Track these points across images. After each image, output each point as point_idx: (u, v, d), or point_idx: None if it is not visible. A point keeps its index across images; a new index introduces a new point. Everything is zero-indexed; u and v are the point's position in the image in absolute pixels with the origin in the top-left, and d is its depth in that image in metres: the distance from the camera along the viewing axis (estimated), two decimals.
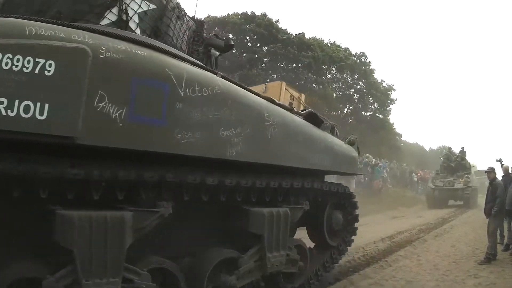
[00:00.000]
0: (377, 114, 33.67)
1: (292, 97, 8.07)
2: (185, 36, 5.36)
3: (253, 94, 4.83)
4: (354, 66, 31.88)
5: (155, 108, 3.64)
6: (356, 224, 7.32)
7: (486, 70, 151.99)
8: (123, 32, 3.96)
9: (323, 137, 5.96)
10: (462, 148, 28.48)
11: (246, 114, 4.46)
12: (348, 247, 7.48)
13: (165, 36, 4.88)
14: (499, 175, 10.40)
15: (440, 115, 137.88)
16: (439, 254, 9.88)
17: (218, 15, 30.20)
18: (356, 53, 33.06)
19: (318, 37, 32.68)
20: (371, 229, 13.93)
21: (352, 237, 7.39)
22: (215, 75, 4.38)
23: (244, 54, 30.18)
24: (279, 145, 4.89)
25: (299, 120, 5.53)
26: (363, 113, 33.73)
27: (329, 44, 33.03)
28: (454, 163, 26.73)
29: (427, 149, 55.79)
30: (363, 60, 32.93)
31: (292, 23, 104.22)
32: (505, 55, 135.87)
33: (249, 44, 30.69)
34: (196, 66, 4.28)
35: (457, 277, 7.58)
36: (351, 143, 7.06)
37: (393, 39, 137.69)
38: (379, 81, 33.33)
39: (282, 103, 5.51)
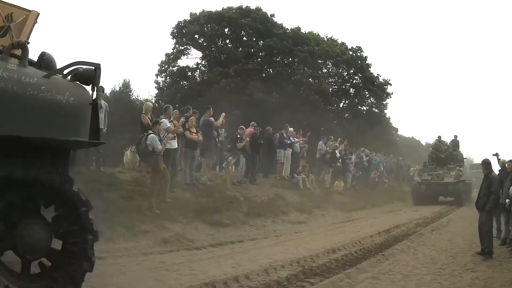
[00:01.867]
0: (373, 109, 33.56)
1: None
2: None
3: None
4: (350, 60, 31.76)
5: None
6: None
7: (483, 63, 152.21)
8: None
9: None
10: (455, 136, 25.89)
11: None
12: None
13: None
14: (496, 169, 10.37)
15: (437, 109, 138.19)
16: (436, 248, 9.86)
17: (213, 10, 30.09)
18: (352, 47, 32.94)
19: (314, 32, 32.65)
20: (368, 223, 13.96)
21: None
22: None
23: (240, 49, 30.04)
24: None
25: None
26: (359, 107, 33.65)
27: (325, 39, 32.95)
28: (445, 154, 24.15)
29: (424, 144, 55.83)
30: (359, 54, 32.79)
31: (287, 17, 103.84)
32: (504, 50, 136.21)
33: (244, 38, 30.53)
34: None
35: (454, 271, 7.55)
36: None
37: (390, 33, 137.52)
38: (376, 75, 33.20)
39: None
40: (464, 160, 26.64)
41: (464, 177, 22.73)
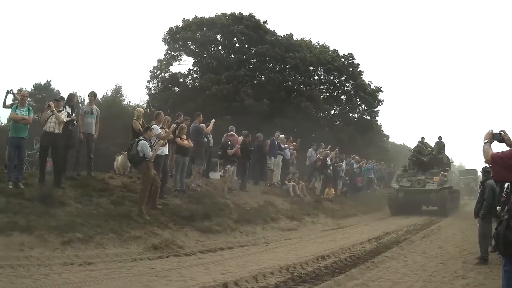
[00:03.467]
0: (364, 116, 33.68)
1: None
2: None
3: None
4: (342, 67, 31.89)
5: None
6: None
7: (477, 70, 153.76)
8: None
9: None
10: (440, 138, 22.94)
11: None
12: None
13: None
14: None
15: (429, 116, 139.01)
16: (426, 255, 9.84)
17: (206, 16, 30.14)
18: (344, 55, 33.09)
19: (306, 39, 32.83)
20: (358, 230, 13.93)
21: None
22: None
23: (232, 55, 30.10)
24: None
25: None
26: (350, 114, 33.78)
27: (317, 46, 33.10)
28: (428, 158, 21.41)
29: None
30: (350, 61, 32.95)
31: (280, 24, 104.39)
32: (502, 58, 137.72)
33: (237, 45, 30.61)
34: None
35: (445, 278, 7.52)
36: None
37: (381, 40, 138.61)
38: (367, 82, 33.36)
39: None
40: (452, 164, 24.09)
41: (450, 183, 20.22)
